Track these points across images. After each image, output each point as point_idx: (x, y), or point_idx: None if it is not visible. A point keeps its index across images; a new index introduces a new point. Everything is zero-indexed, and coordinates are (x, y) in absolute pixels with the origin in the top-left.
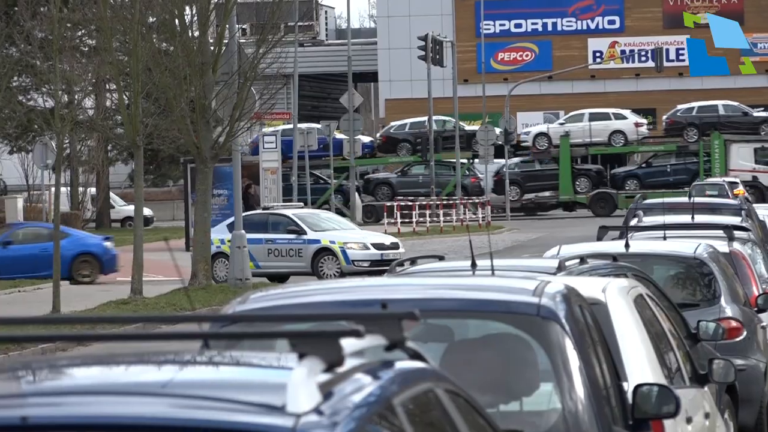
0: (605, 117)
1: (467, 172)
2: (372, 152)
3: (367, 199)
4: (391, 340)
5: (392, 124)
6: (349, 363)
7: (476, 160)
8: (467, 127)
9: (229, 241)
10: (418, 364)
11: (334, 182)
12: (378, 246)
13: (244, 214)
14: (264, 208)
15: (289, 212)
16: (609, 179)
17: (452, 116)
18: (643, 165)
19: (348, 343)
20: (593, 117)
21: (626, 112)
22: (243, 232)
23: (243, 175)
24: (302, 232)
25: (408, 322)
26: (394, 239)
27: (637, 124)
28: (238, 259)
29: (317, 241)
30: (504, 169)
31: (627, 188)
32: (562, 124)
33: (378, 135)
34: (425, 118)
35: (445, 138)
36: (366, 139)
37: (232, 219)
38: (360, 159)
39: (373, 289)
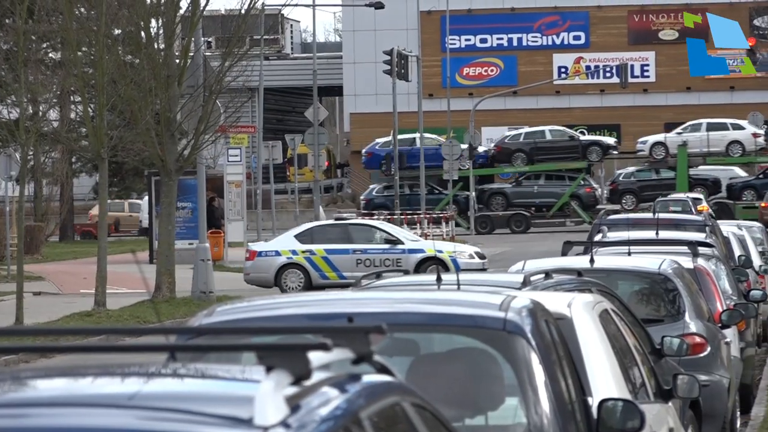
0: (723, 127)
1: (582, 182)
2: (486, 162)
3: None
4: (359, 354)
5: (506, 134)
6: (317, 376)
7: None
8: (582, 138)
9: (302, 251)
10: (384, 378)
11: (451, 192)
12: (480, 255)
13: (314, 224)
14: (337, 219)
15: (376, 223)
16: (726, 189)
17: (416, 131)
18: (760, 176)
19: (315, 357)
20: (711, 127)
21: (744, 123)
22: (207, 245)
23: (207, 188)
24: (399, 242)
25: (375, 335)
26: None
27: (755, 135)
28: (202, 272)
29: (420, 251)
30: (620, 178)
31: (744, 198)
32: (679, 133)
33: (492, 145)
34: (542, 128)
35: (557, 149)
36: (481, 149)
37: (299, 229)
38: (475, 169)
39: (339, 303)
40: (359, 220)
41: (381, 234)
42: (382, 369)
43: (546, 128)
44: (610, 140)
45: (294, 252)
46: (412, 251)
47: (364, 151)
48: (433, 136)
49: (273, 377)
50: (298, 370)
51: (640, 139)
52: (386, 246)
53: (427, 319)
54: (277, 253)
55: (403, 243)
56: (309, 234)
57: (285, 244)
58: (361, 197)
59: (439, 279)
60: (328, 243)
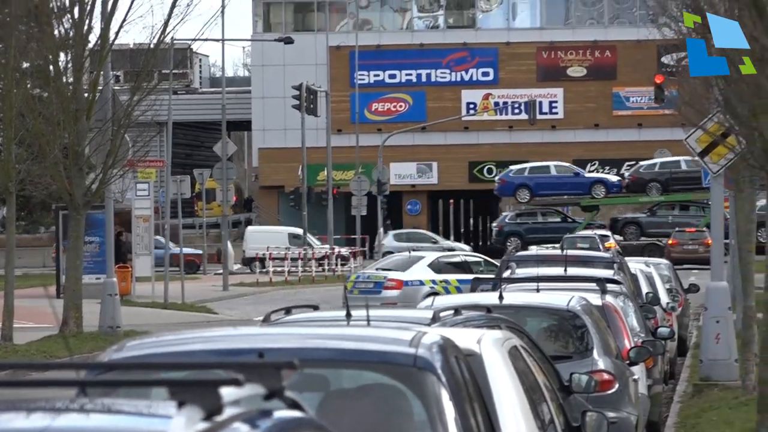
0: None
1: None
2: (620, 191)
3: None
4: (270, 390)
5: (641, 163)
6: (228, 412)
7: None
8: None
9: (440, 281)
10: (296, 414)
11: (585, 221)
12: None
13: (439, 255)
14: (449, 250)
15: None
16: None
17: (325, 165)
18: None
19: (227, 392)
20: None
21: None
22: (114, 279)
23: (115, 222)
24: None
25: (286, 371)
26: None
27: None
28: (109, 307)
29: None
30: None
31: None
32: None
33: (627, 174)
34: (678, 158)
35: (693, 179)
36: (614, 178)
37: (429, 260)
38: (610, 198)
39: (249, 338)
40: (471, 254)
41: (488, 266)
42: (294, 405)
43: (681, 158)
44: None
45: (434, 282)
46: None
47: (497, 178)
48: (567, 164)
49: (185, 413)
50: (209, 406)
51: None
52: None
53: (337, 354)
54: (421, 283)
55: None
56: (436, 265)
57: (423, 274)
58: (494, 224)
59: (348, 315)
60: (451, 273)
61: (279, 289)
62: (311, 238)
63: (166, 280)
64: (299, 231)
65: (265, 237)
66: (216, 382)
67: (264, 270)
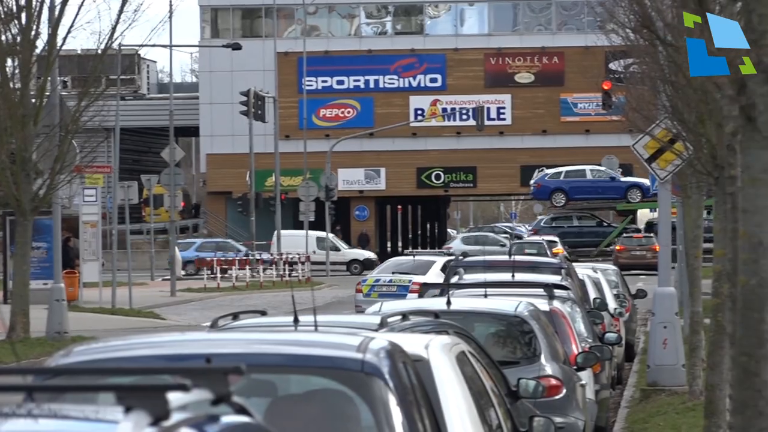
0: None
1: None
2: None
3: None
4: (217, 395)
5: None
6: (175, 417)
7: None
8: None
9: None
10: (243, 419)
11: (621, 225)
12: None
13: (446, 260)
14: (464, 255)
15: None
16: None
17: (273, 171)
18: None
19: (174, 397)
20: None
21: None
22: (62, 285)
23: (62, 227)
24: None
25: (233, 376)
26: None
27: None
28: (56, 312)
29: None
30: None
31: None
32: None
33: (532, 182)
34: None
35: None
36: (646, 182)
37: (441, 262)
38: (645, 202)
39: (196, 344)
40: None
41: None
42: (241, 410)
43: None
44: None
45: None
46: None
47: (532, 182)
48: (602, 168)
49: (132, 418)
50: (156, 411)
51: None
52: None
53: (285, 360)
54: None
55: None
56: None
57: (440, 277)
58: (529, 227)
59: (296, 320)
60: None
61: (227, 294)
62: (336, 240)
63: (113, 286)
64: (323, 234)
65: (295, 241)
66: (163, 387)
67: (212, 276)
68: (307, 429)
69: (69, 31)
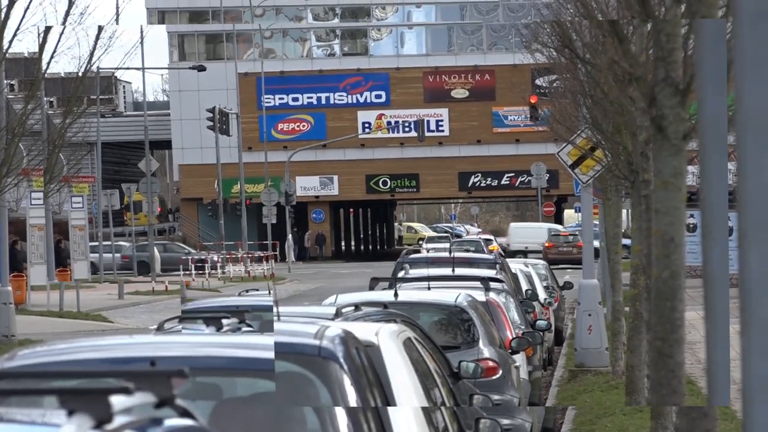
0: None
1: None
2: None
3: None
4: (161, 398)
5: None
6: (118, 420)
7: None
8: None
9: None
10: (187, 422)
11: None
12: None
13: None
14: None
15: None
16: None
17: (238, 179)
18: None
19: (117, 400)
20: None
21: None
22: (9, 288)
23: (10, 231)
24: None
25: (176, 379)
26: None
27: None
28: (3, 315)
29: None
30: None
31: None
32: None
33: None
34: None
35: None
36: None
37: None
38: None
39: (141, 347)
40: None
41: None
42: (185, 413)
43: None
44: None
45: None
46: None
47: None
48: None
49: (74, 421)
50: (99, 414)
51: None
52: None
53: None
54: None
55: None
56: None
57: None
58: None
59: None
60: None
61: (175, 297)
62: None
63: (61, 289)
64: (559, 227)
65: (529, 232)
66: (106, 391)
67: (188, 272)
68: (270, 408)
69: (15, 35)
